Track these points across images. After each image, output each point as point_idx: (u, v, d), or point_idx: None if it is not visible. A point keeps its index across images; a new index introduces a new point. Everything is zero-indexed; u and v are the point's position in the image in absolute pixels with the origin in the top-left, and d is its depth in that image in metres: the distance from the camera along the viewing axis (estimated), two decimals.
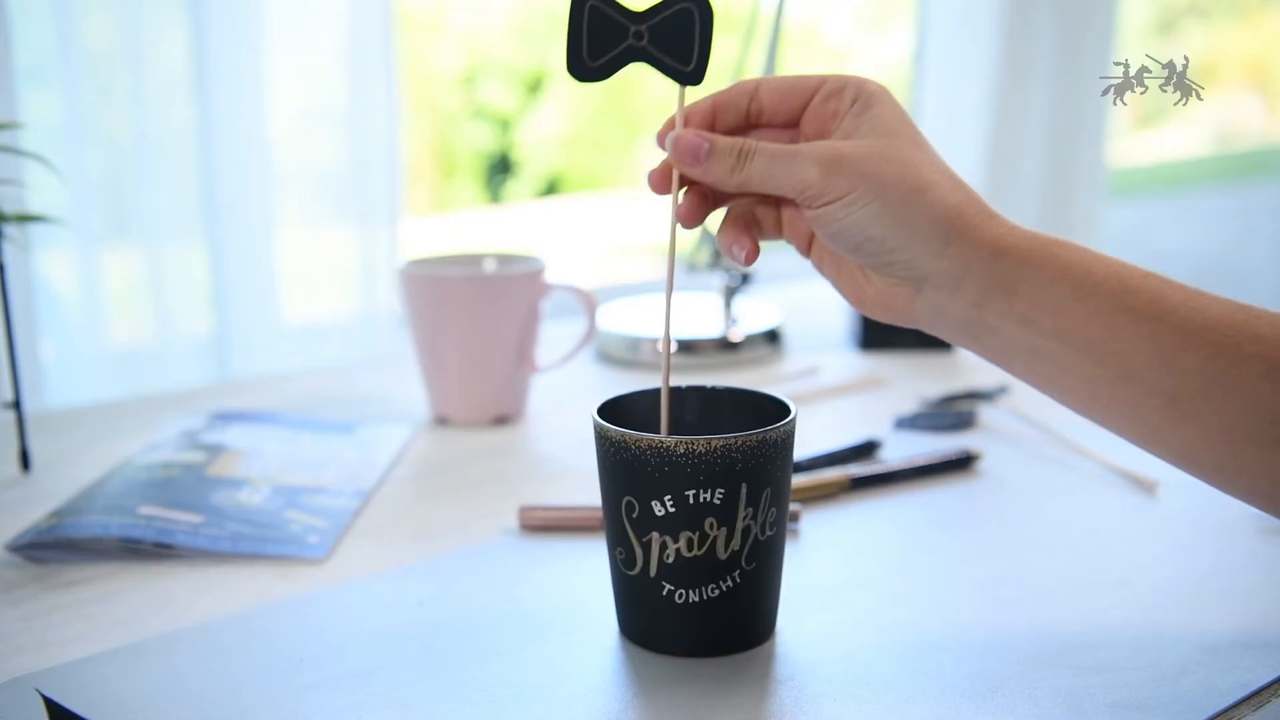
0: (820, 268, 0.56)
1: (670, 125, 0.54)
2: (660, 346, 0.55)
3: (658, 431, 0.51)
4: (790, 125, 0.56)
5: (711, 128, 0.55)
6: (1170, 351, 0.48)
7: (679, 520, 0.50)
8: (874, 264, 0.52)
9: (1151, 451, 0.51)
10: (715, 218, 0.57)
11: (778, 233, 0.56)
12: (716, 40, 0.51)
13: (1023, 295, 0.50)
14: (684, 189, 0.54)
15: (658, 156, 0.54)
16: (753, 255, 0.55)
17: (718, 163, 0.52)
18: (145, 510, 0.65)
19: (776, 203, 0.56)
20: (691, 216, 0.54)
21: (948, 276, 0.51)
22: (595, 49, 0.51)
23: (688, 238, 0.55)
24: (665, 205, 0.54)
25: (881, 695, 0.49)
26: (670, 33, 0.51)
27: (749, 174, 0.52)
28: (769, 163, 0.52)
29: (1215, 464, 0.49)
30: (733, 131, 0.55)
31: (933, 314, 0.53)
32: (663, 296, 0.53)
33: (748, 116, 0.55)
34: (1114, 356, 0.49)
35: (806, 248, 0.56)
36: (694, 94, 0.54)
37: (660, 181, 0.54)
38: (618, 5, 0.51)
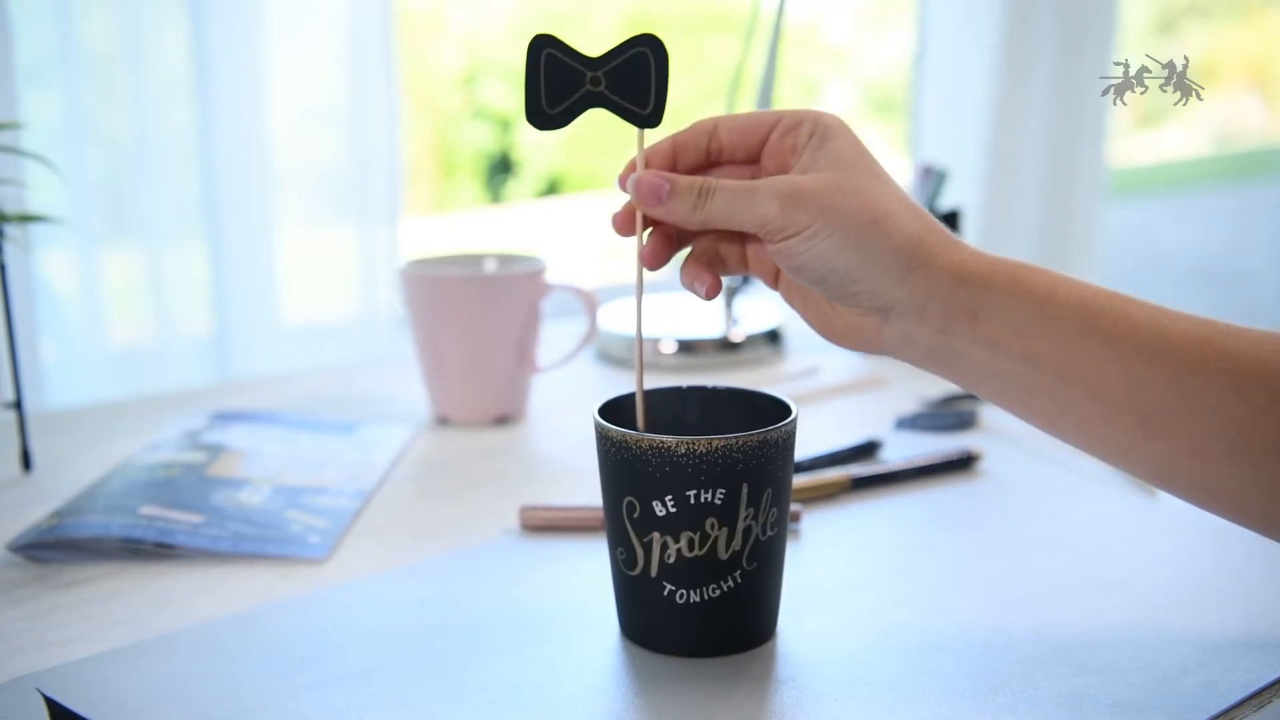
0: (788, 300, 0.56)
1: (631, 168, 0.54)
2: (635, 382, 0.55)
3: (659, 431, 0.51)
4: (751, 162, 0.56)
5: (673, 168, 0.55)
6: (1137, 370, 0.48)
7: (680, 520, 0.50)
8: (839, 295, 0.53)
9: (1124, 469, 0.51)
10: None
11: (743, 268, 0.57)
12: (673, 81, 0.52)
13: (987, 320, 0.51)
14: (648, 230, 0.55)
15: (622, 199, 0.54)
16: (713, 291, 0.55)
17: (679, 202, 0.53)
18: (146, 510, 0.65)
19: (741, 239, 0.56)
20: (656, 258, 0.55)
21: (911, 304, 0.51)
22: (553, 96, 0.52)
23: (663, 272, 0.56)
24: (631, 246, 0.54)
25: (882, 695, 0.49)
26: (627, 77, 0.52)
27: (710, 212, 0.52)
28: (729, 200, 0.52)
29: (1187, 480, 0.49)
30: (694, 171, 0.55)
31: (900, 342, 0.53)
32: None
33: (708, 155, 0.56)
34: (1081, 377, 0.50)
35: (774, 281, 0.56)
36: (654, 135, 0.54)
37: (624, 224, 0.55)
38: (574, 52, 0.51)
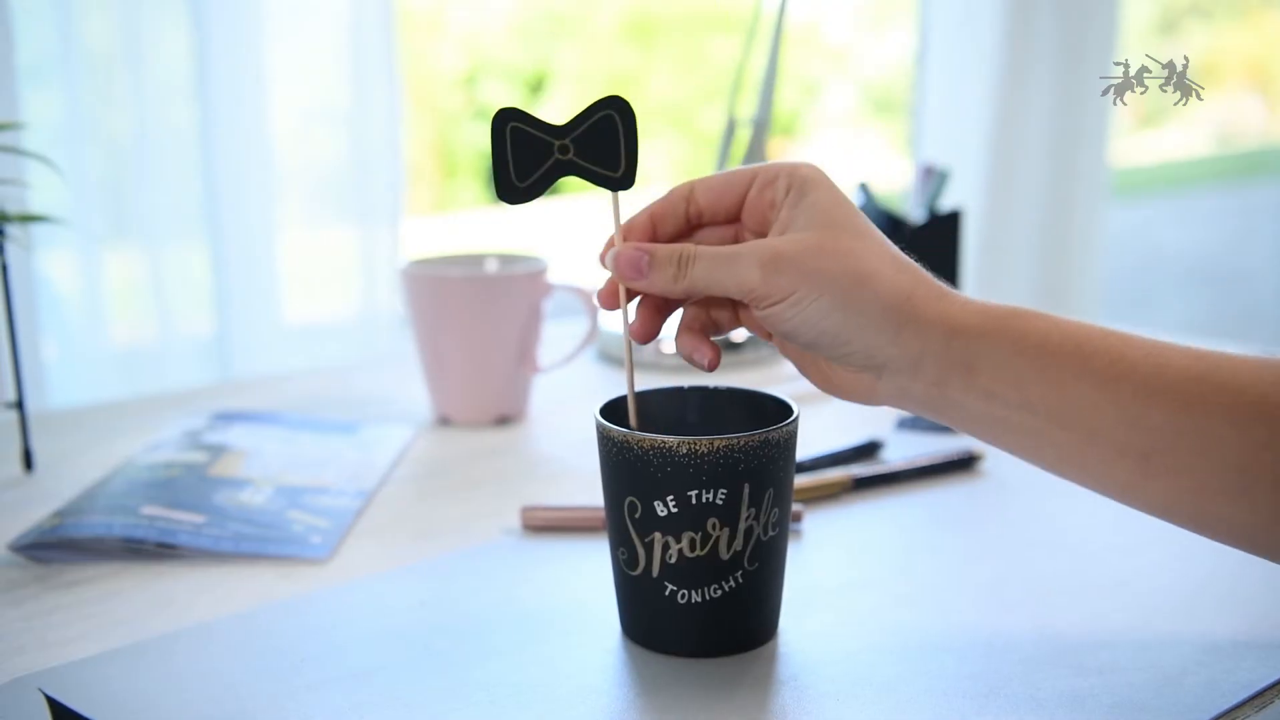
0: (786, 355, 0.56)
1: (610, 243, 0.53)
2: (630, 420, 0.55)
3: (661, 432, 0.51)
4: (731, 221, 0.55)
5: (653, 237, 0.54)
6: (1135, 411, 0.48)
7: (681, 520, 0.50)
8: (831, 356, 0.53)
9: (1130, 505, 0.52)
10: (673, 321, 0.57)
11: (736, 324, 0.57)
12: (642, 142, 0.52)
13: (982, 371, 0.50)
14: (634, 301, 0.55)
15: (604, 274, 0.54)
16: (714, 361, 0.55)
17: (660, 273, 0.52)
18: (148, 510, 0.65)
19: (730, 301, 0.56)
20: (645, 332, 0.55)
21: (904, 361, 0.51)
22: (522, 169, 0.51)
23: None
24: (617, 315, 0.54)
25: (883, 696, 0.49)
26: (595, 142, 0.51)
27: (693, 280, 0.52)
28: (710, 267, 0.52)
29: (1192, 516, 0.49)
30: (675, 238, 0.55)
31: (897, 395, 0.53)
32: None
33: (687, 220, 0.55)
34: (1079, 421, 0.49)
35: (769, 335, 0.56)
36: (629, 200, 0.54)
37: (609, 299, 0.54)
38: (539, 122, 0.51)
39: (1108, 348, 0.50)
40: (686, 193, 0.55)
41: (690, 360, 0.56)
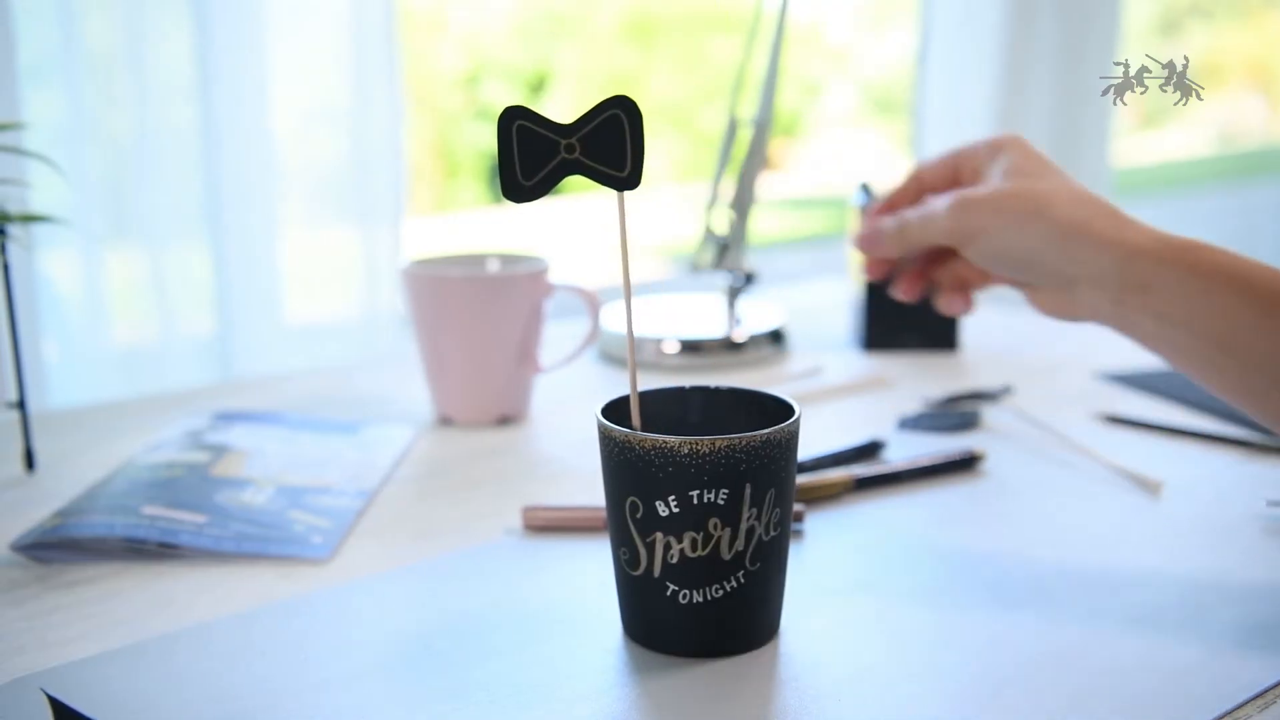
0: (1019, 289, 0.68)
1: (860, 228, 0.72)
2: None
3: (662, 431, 0.51)
4: (951, 186, 0.69)
5: (893, 210, 0.71)
6: None
7: (683, 520, 0.50)
8: (1032, 278, 0.64)
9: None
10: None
11: (985, 281, 0.71)
12: (650, 141, 0.52)
13: (1155, 293, 0.58)
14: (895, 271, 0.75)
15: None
16: (967, 304, 0.72)
17: (887, 239, 0.69)
18: (149, 510, 0.65)
19: (954, 258, 0.71)
20: (910, 290, 0.73)
21: (1088, 278, 0.61)
22: (528, 168, 0.51)
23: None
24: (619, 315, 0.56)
25: (885, 695, 0.49)
26: (601, 141, 0.51)
27: (910, 238, 0.68)
28: (918, 225, 0.67)
29: None
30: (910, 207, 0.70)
31: (1088, 311, 0.62)
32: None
33: (919, 194, 0.71)
34: (1240, 348, 0.56)
35: (987, 279, 0.70)
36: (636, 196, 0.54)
37: (875, 271, 0.74)
38: (546, 121, 0.51)
39: (1270, 279, 0.56)
40: (915, 173, 0.71)
41: (953, 310, 0.72)
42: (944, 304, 0.72)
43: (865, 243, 0.71)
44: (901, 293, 0.73)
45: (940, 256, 0.73)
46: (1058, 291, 0.63)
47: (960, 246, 0.65)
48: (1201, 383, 0.59)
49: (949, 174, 0.69)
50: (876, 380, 0.94)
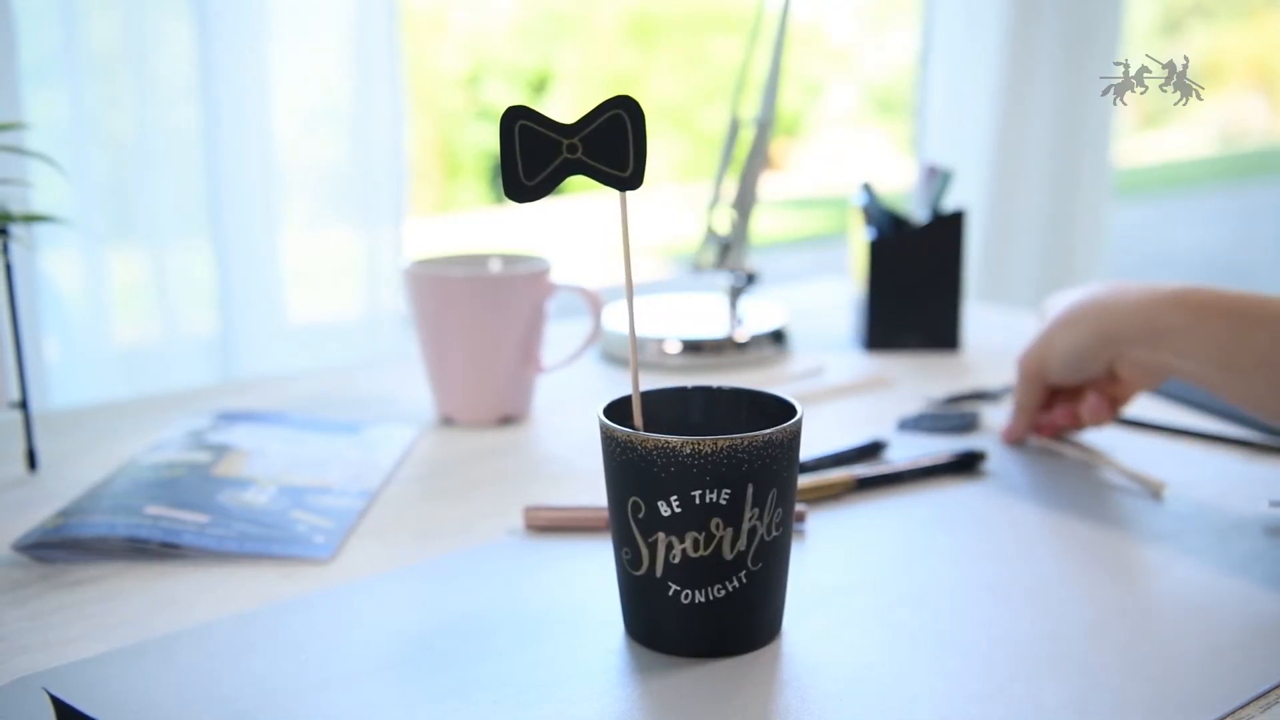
0: (1114, 398, 0.76)
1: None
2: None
3: (664, 432, 0.51)
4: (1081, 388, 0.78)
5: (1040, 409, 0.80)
6: None
7: (685, 520, 0.50)
8: (1104, 366, 0.74)
9: None
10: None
11: (1097, 416, 0.77)
12: (651, 141, 0.52)
13: (1238, 364, 0.67)
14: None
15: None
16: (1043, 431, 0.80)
17: (1015, 433, 0.80)
18: (151, 510, 0.65)
19: (1076, 400, 0.78)
20: (1045, 433, 0.80)
21: (1135, 341, 0.71)
22: (531, 168, 0.51)
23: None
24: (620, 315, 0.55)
25: (887, 696, 0.49)
26: (603, 141, 0.51)
27: (1021, 422, 0.79)
28: (1019, 404, 0.78)
29: None
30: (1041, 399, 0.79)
31: (1158, 373, 0.72)
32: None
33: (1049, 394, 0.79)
34: (1234, 364, 0.67)
35: (1111, 400, 0.77)
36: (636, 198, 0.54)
37: (1017, 436, 0.80)
38: (548, 120, 0.51)
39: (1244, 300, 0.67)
40: (1040, 381, 0.78)
41: (1056, 439, 0.80)
42: (1048, 432, 0.80)
43: (1010, 438, 0.80)
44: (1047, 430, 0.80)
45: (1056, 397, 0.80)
46: (1135, 368, 0.72)
47: (1050, 384, 0.77)
48: (1229, 401, 0.69)
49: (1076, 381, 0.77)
50: (878, 380, 0.94)
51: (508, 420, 0.85)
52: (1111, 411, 0.76)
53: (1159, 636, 0.54)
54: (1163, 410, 0.87)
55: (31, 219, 0.75)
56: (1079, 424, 0.78)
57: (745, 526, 0.51)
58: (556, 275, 0.85)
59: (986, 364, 1.00)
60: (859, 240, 1.05)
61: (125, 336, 1.45)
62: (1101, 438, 0.81)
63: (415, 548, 0.65)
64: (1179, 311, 0.68)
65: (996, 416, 0.85)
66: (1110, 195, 2.35)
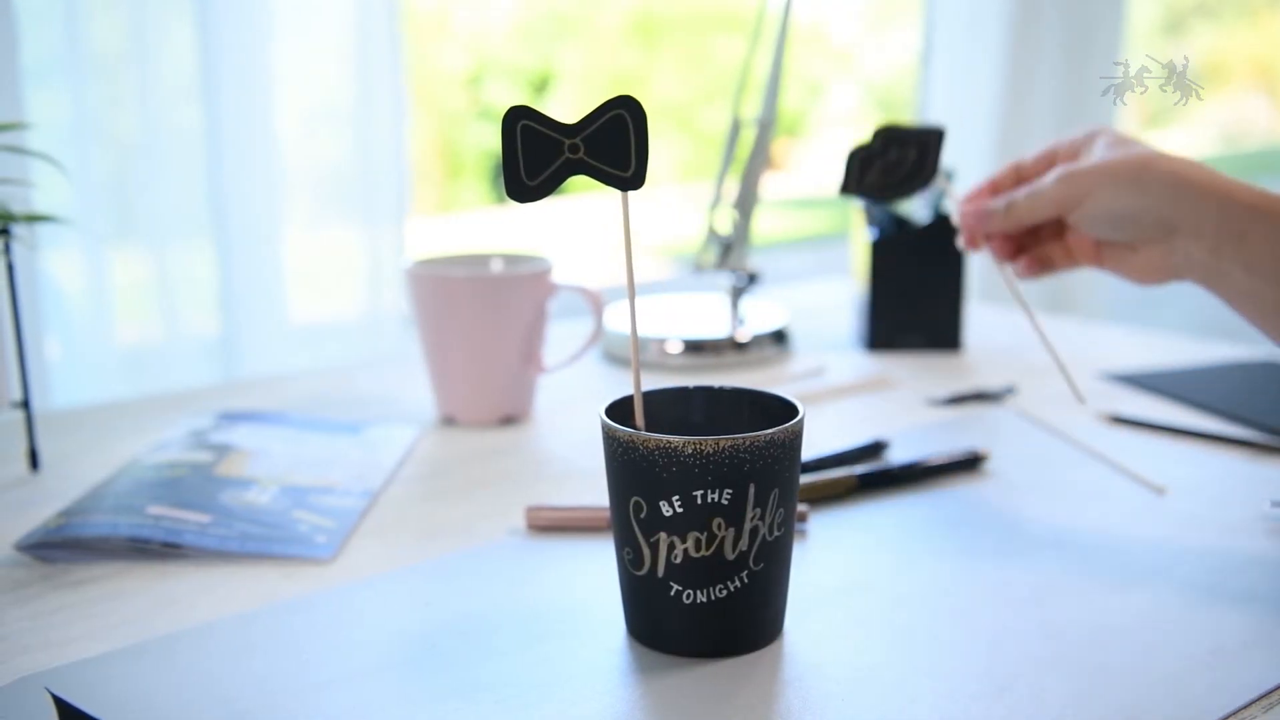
0: (1108, 266, 0.72)
1: (962, 201, 0.75)
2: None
3: (666, 432, 0.51)
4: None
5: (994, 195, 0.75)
6: None
7: (687, 520, 0.50)
8: (1132, 234, 0.67)
9: None
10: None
11: (1069, 261, 0.74)
12: (653, 141, 0.52)
13: (1251, 242, 0.61)
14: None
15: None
16: (1030, 271, 0.76)
17: (993, 218, 0.73)
18: (153, 510, 0.65)
19: (1061, 238, 0.74)
20: (1007, 252, 0.76)
21: (1189, 225, 0.64)
22: (532, 168, 0.51)
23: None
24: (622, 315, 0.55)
25: (889, 696, 0.49)
26: (605, 141, 0.51)
27: (1018, 214, 0.71)
28: (1028, 199, 0.71)
29: None
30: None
31: (1185, 264, 0.65)
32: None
33: (1017, 184, 0.74)
34: None
35: (1093, 258, 0.72)
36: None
37: (970, 240, 0.75)
38: (550, 120, 0.51)
39: None
40: (1016, 165, 0.75)
41: (1032, 276, 0.75)
42: (1021, 269, 0.76)
43: (971, 219, 0.73)
44: (999, 250, 0.76)
45: (1036, 235, 0.76)
46: (1156, 248, 0.66)
47: (1068, 213, 0.69)
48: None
49: (1045, 166, 0.72)
50: (880, 380, 0.94)
51: (509, 420, 0.85)
52: (1092, 260, 0.73)
53: (1160, 637, 0.54)
54: (1163, 410, 0.87)
55: (33, 219, 0.75)
56: (1061, 262, 0.75)
57: (747, 526, 0.51)
58: (558, 275, 0.85)
59: (988, 364, 1.00)
60: (860, 240, 1.05)
61: (127, 336, 1.45)
62: (1104, 437, 0.81)
63: (417, 548, 0.65)
64: (1264, 218, 0.62)
65: (999, 416, 0.85)
66: None
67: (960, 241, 0.75)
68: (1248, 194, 0.62)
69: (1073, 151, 0.71)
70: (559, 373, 0.89)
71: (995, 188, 0.75)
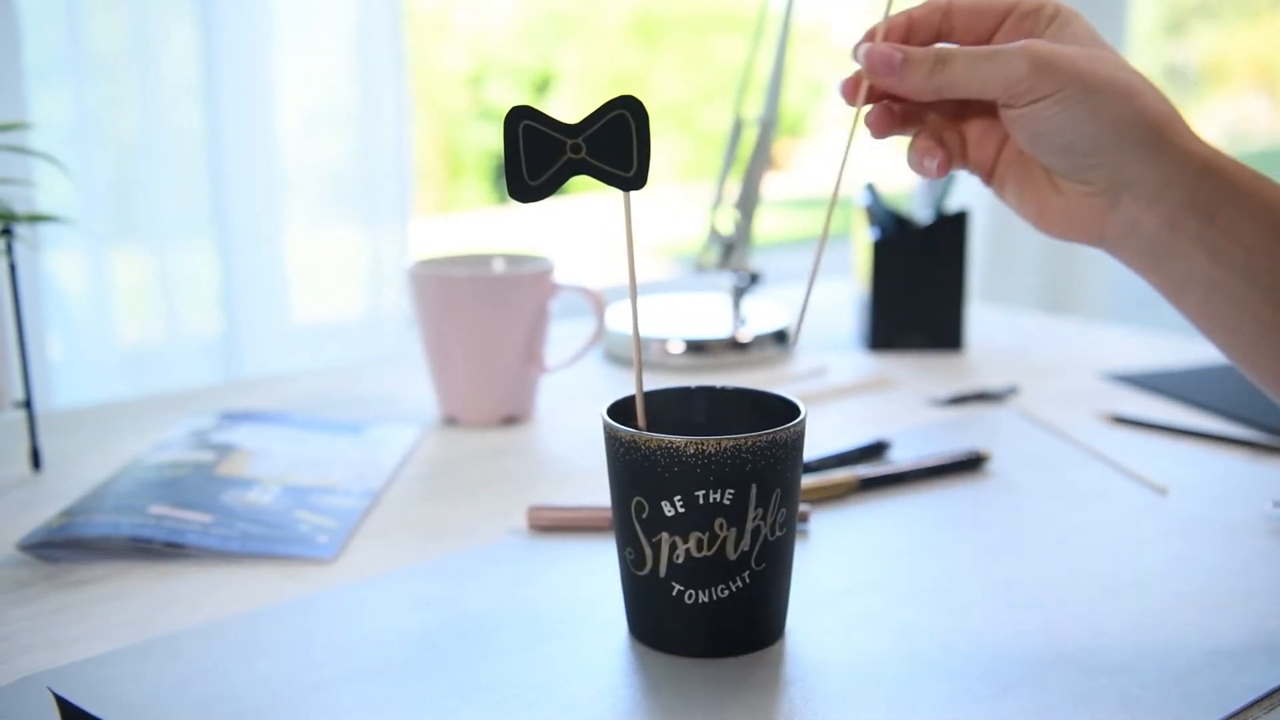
0: (1002, 190, 0.56)
1: (869, 36, 0.53)
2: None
3: (667, 432, 0.51)
4: (982, 44, 0.55)
5: (906, 42, 0.54)
6: None
7: (689, 521, 0.50)
8: (1076, 166, 0.52)
9: None
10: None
11: (962, 159, 0.57)
12: (654, 141, 0.52)
13: (1220, 222, 0.49)
14: (869, 106, 0.55)
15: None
16: (945, 166, 0.55)
17: (913, 69, 0.52)
18: (155, 510, 0.65)
19: (961, 123, 0.56)
20: (880, 125, 0.55)
21: (1150, 186, 0.50)
22: (534, 168, 0.51)
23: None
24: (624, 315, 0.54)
25: (891, 696, 0.49)
26: (607, 142, 0.51)
27: (950, 76, 0.51)
28: (971, 63, 0.51)
29: None
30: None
31: (1123, 229, 0.52)
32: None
33: (938, 35, 0.54)
34: None
35: (989, 172, 0.56)
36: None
37: (851, 91, 0.54)
38: (552, 120, 0.51)
39: None
40: (944, 7, 0.54)
41: (919, 167, 0.56)
42: (916, 156, 0.56)
43: (878, 64, 0.52)
44: (920, 155, 0.56)
45: (955, 116, 0.57)
46: (1091, 197, 0.52)
47: (1013, 106, 0.51)
48: (1229, 338, 0.51)
49: (990, 25, 0.54)
50: (881, 380, 0.94)
51: (511, 420, 0.85)
52: (990, 177, 0.57)
53: (1163, 637, 0.54)
54: (1163, 410, 0.87)
55: (36, 219, 0.75)
56: (950, 158, 0.56)
57: (749, 526, 0.51)
58: (560, 275, 0.85)
59: (989, 364, 1.00)
60: (862, 240, 1.05)
61: (129, 336, 1.46)
62: (1105, 437, 0.81)
63: (418, 548, 0.65)
64: (1247, 200, 0.49)
65: (1001, 417, 0.85)
66: None
67: (841, 87, 0.55)
68: (1229, 163, 0.50)
69: (1026, 26, 0.54)
70: (560, 373, 0.89)
71: (911, 26, 0.54)
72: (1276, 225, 0.49)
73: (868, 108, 0.55)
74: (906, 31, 0.54)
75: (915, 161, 0.56)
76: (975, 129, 0.56)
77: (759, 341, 1.01)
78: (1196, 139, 0.51)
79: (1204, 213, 0.50)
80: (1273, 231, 0.49)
